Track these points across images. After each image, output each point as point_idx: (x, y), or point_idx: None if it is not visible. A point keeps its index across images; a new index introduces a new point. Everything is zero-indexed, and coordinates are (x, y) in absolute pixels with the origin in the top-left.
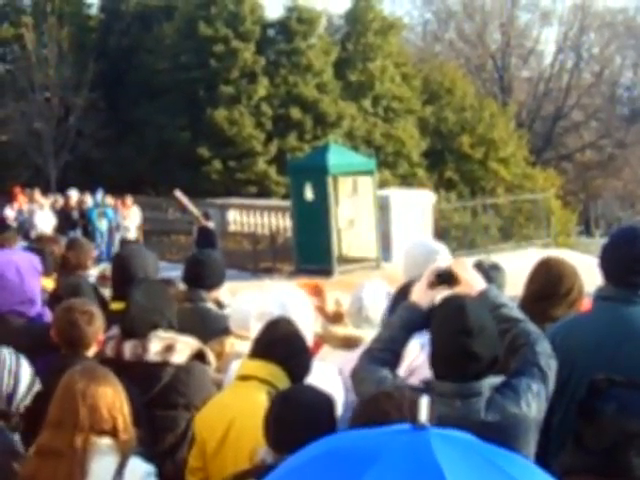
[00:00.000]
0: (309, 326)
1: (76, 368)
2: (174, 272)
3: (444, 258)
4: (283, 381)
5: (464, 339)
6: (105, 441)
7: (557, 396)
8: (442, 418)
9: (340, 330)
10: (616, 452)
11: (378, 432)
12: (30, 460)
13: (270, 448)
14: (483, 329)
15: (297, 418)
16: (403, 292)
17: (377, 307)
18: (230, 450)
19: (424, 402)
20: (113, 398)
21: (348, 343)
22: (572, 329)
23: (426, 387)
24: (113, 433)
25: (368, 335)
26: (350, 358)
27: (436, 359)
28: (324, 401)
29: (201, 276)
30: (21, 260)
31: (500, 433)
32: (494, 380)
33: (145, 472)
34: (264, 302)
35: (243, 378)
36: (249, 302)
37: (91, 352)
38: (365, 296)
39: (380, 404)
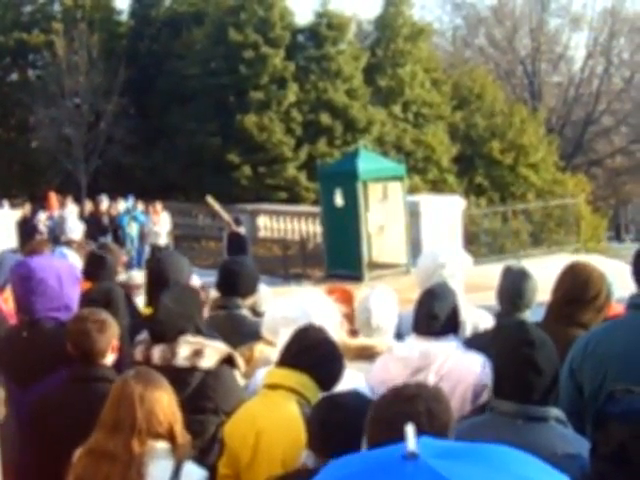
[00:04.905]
0: (332, 333)
1: (130, 373)
2: (205, 278)
3: (451, 270)
4: (312, 390)
5: (527, 350)
6: (161, 445)
7: (590, 403)
8: (504, 439)
9: (353, 341)
10: (624, 455)
11: (375, 459)
12: (80, 460)
13: (312, 452)
14: (544, 342)
15: (342, 422)
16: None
17: (386, 315)
18: (264, 460)
19: (410, 431)
20: (169, 403)
21: (363, 353)
22: (605, 337)
23: (487, 406)
24: (169, 437)
25: (381, 343)
26: (367, 369)
27: (499, 376)
28: (368, 406)
29: (235, 284)
30: (62, 267)
31: (570, 466)
32: (559, 412)
33: (200, 477)
34: (286, 308)
35: (271, 387)
36: (278, 308)
37: (108, 360)
38: (372, 306)
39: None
